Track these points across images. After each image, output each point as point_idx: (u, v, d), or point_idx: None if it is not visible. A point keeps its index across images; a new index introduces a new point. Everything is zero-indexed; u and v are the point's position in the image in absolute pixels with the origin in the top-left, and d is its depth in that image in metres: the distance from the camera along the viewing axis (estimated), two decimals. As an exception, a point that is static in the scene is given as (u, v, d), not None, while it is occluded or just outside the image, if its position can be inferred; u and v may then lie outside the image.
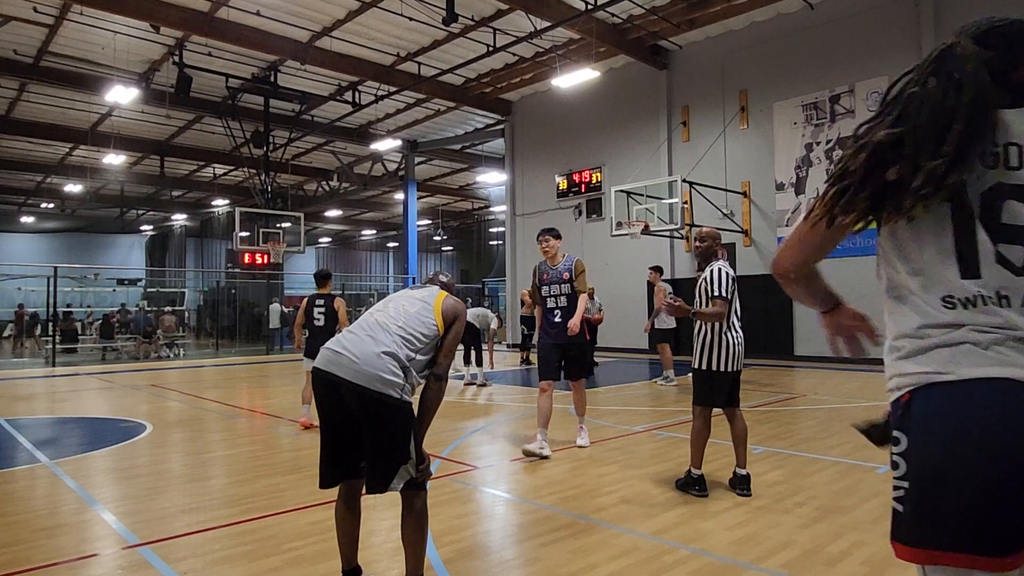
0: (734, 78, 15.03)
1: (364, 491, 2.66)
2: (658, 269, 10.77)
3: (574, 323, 5.34)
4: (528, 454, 5.18)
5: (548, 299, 5.56)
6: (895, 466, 1.25)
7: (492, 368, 12.19)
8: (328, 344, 2.68)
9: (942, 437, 1.19)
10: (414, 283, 3.35)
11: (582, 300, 5.51)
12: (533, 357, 14.29)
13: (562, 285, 5.49)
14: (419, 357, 2.69)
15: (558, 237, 5.62)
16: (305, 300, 7.00)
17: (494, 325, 11.34)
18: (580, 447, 5.60)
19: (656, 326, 10.41)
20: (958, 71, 1.21)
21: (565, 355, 5.51)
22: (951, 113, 1.18)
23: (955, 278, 1.22)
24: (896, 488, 1.25)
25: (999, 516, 1.14)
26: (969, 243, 1.21)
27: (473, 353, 10.56)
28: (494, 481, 4.73)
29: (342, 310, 6.78)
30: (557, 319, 5.48)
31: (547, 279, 5.57)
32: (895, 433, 1.26)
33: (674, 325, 10.48)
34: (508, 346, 19.23)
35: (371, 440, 2.56)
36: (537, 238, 5.65)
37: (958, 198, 1.21)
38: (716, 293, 4.22)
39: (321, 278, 7.02)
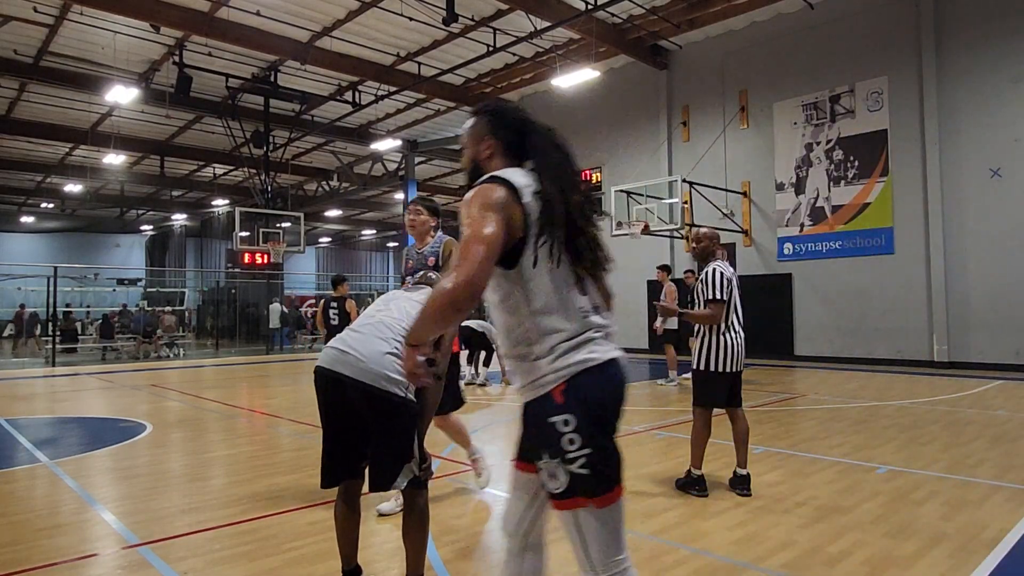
0: (734, 78, 15.03)
1: (368, 490, 2.66)
2: (666, 269, 10.64)
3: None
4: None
5: None
6: (571, 442, 1.62)
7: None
8: (332, 343, 2.67)
9: (602, 404, 1.67)
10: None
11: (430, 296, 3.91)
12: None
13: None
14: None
15: (434, 213, 4.00)
16: (322, 303, 7.88)
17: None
18: (382, 514, 3.85)
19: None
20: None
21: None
22: None
23: (580, 297, 1.74)
24: (577, 459, 1.62)
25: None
26: (580, 271, 1.76)
27: (483, 354, 10.57)
28: (494, 481, 4.72)
29: (353, 311, 7.34)
30: None
31: (411, 267, 4.06)
32: (564, 416, 1.64)
33: (677, 325, 10.45)
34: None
35: (376, 438, 2.57)
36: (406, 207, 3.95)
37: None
38: (710, 296, 4.21)
39: (335, 282, 7.93)
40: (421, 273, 3.24)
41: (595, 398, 1.66)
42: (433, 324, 1.65)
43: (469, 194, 1.73)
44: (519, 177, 1.75)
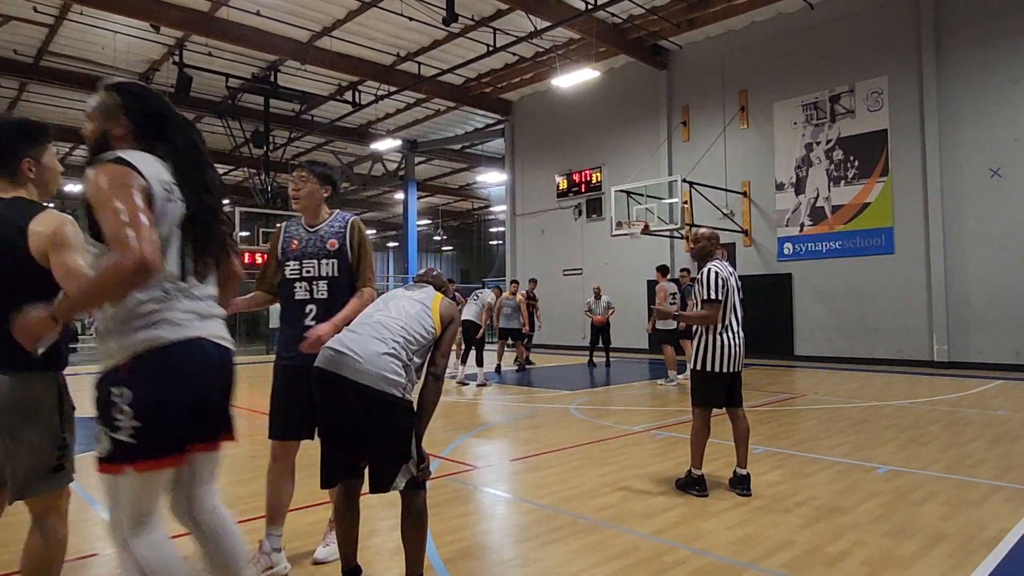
0: (734, 78, 15.03)
1: (367, 491, 2.66)
2: (662, 269, 10.65)
3: (324, 329, 2.83)
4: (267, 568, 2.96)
5: (296, 285, 3.06)
6: (122, 411, 1.75)
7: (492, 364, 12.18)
8: (329, 343, 2.66)
9: (165, 383, 1.78)
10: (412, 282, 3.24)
11: (367, 295, 3.07)
12: (533, 356, 14.28)
13: (324, 262, 3.05)
14: (416, 358, 2.70)
15: (326, 181, 3.15)
16: None
17: (490, 299, 11.43)
18: (317, 562, 3.13)
19: (657, 327, 10.36)
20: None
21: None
22: None
23: (180, 284, 1.86)
24: (123, 429, 1.75)
25: (190, 427, 1.85)
26: (185, 254, 1.88)
27: (473, 352, 10.57)
28: (494, 481, 4.73)
29: None
30: (310, 321, 3.00)
31: (297, 249, 3.08)
32: (121, 389, 1.76)
33: (675, 325, 10.46)
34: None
35: (374, 439, 2.56)
36: (291, 172, 3.26)
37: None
38: (706, 297, 4.21)
39: None
40: (425, 270, 3.19)
41: (159, 377, 1.78)
42: (96, 300, 1.71)
43: (96, 170, 1.75)
44: (149, 165, 1.80)
